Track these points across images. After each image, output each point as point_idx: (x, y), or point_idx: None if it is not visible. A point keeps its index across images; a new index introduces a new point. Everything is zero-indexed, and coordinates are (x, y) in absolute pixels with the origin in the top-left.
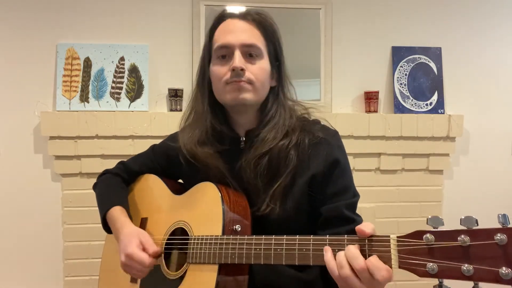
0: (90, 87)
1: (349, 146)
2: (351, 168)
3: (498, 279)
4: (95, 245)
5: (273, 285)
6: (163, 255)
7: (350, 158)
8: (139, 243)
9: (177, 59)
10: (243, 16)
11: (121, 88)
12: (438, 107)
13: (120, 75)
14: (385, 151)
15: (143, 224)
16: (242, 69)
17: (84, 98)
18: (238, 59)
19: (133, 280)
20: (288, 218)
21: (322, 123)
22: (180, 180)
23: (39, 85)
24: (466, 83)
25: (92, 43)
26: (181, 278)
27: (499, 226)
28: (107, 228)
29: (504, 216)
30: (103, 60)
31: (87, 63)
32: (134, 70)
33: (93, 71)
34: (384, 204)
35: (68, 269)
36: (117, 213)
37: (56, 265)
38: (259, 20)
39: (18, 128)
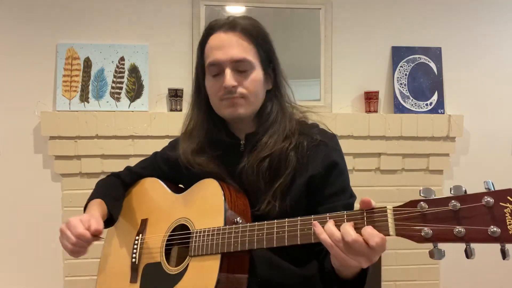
0: (90, 87)
1: (349, 146)
2: (351, 168)
3: (487, 238)
4: (95, 245)
5: (273, 279)
6: (164, 252)
7: (350, 158)
8: (84, 218)
9: (177, 59)
10: (230, 27)
11: (121, 88)
12: (438, 107)
13: (120, 75)
14: (385, 151)
15: (143, 225)
16: (234, 86)
17: (84, 98)
18: (228, 77)
19: (133, 280)
20: (285, 217)
21: (320, 126)
22: (181, 186)
23: (39, 85)
24: (466, 83)
25: (92, 43)
26: (183, 272)
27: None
28: None
29: (489, 182)
30: (103, 60)
31: (87, 63)
32: (134, 70)
33: (93, 71)
34: (384, 204)
35: (68, 269)
36: (92, 204)
37: (56, 265)
38: (247, 28)
39: (18, 128)
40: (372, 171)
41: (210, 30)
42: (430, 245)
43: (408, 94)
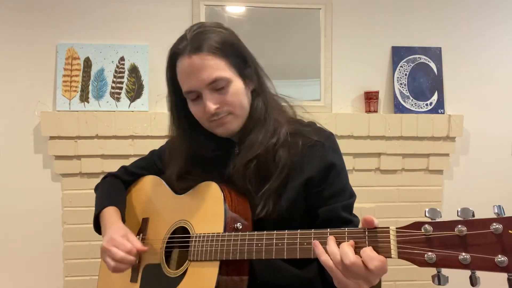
0: (90, 87)
1: (349, 146)
2: (351, 168)
3: (494, 267)
4: (95, 245)
5: (273, 282)
6: (164, 254)
7: (350, 158)
8: (125, 234)
9: None
10: (192, 49)
11: (121, 88)
12: (438, 107)
13: (120, 75)
14: (385, 151)
15: (144, 224)
16: (217, 108)
17: (84, 98)
18: (208, 103)
19: (133, 280)
20: (284, 220)
21: (317, 125)
22: None
23: (39, 85)
24: (466, 83)
25: (92, 43)
26: (182, 275)
27: (495, 216)
28: (98, 228)
29: (499, 207)
30: (103, 60)
31: (87, 63)
32: (134, 70)
33: (93, 71)
34: (384, 204)
35: (68, 269)
36: (110, 212)
37: (56, 265)
38: (209, 43)
39: (18, 128)
40: (372, 171)
41: (173, 56)
42: (433, 268)
43: (408, 94)
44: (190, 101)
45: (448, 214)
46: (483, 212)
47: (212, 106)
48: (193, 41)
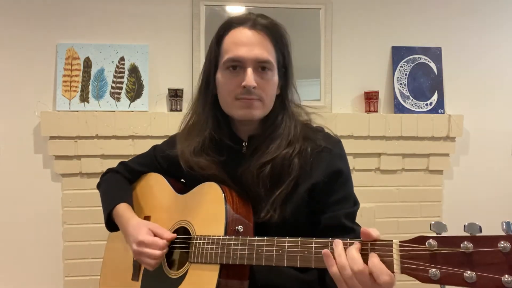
0: (90, 87)
1: (349, 146)
2: (351, 168)
3: (500, 287)
4: (95, 245)
5: (274, 285)
6: (164, 254)
7: (350, 158)
8: (148, 230)
9: (177, 59)
10: (253, 25)
11: (121, 88)
12: (438, 107)
13: (120, 75)
14: (385, 151)
15: None
16: (255, 87)
17: (84, 98)
18: (250, 77)
19: (135, 278)
20: (287, 225)
21: (325, 130)
22: (183, 180)
23: (39, 85)
24: (466, 83)
25: (92, 43)
26: (182, 277)
27: (503, 233)
28: (110, 226)
29: (508, 223)
30: (103, 60)
31: (87, 63)
32: (134, 70)
33: (93, 71)
34: (384, 204)
35: (68, 269)
36: (123, 208)
37: (56, 265)
38: (270, 29)
39: (18, 128)
40: (372, 171)
41: (231, 24)
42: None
43: (408, 94)
44: (227, 70)
45: (448, 214)
46: (483, 212)
47: (253, 81)
48: (256, 19)
